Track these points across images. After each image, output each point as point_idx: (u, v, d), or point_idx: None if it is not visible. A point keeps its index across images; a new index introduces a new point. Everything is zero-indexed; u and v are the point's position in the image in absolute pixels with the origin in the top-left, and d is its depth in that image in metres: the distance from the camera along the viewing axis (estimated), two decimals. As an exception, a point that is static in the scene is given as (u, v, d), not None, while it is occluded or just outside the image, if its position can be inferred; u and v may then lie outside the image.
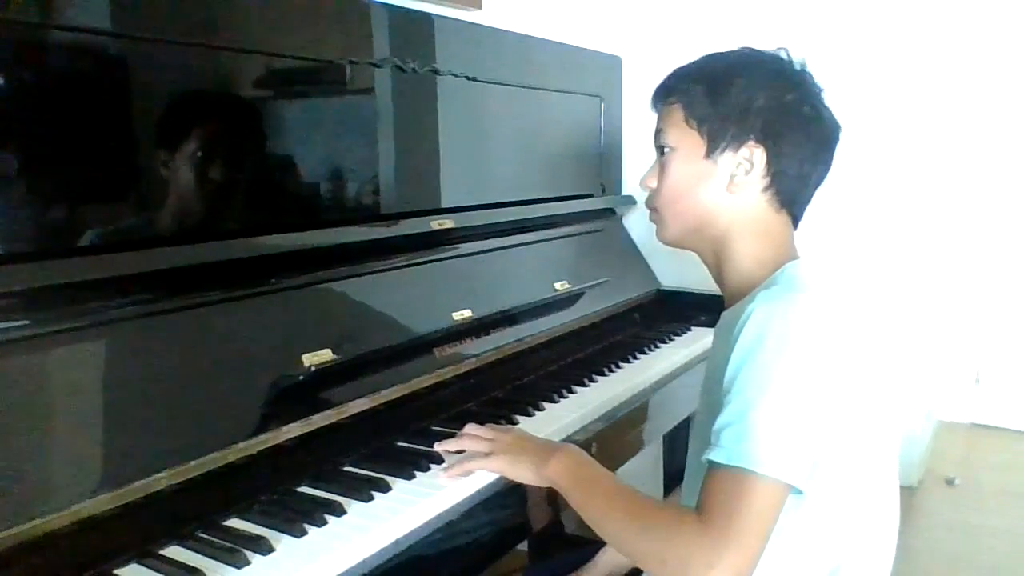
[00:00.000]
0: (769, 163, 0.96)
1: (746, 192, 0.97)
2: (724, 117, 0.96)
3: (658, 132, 1.03)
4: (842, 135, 1.00)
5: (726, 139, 0.96)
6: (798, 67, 0.99)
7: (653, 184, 1.04)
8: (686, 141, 0.99)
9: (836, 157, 1.00)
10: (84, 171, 0.97)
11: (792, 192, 0.99)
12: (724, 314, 1.04)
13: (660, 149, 1.02)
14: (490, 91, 1.62)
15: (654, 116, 1.05)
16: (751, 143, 0.95)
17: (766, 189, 0.97)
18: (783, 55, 0.99)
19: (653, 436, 1.64)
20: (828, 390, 0.85)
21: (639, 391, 1.48)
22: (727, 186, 0.97)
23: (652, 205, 1.05)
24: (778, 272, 0.96)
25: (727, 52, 1.01)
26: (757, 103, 0.95)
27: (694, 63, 1.02)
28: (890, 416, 0.99)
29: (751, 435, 0.82)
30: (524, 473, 1.01)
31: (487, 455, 1.04)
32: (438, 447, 1.10)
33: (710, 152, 0.97)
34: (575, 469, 0.98)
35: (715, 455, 0.84)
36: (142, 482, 0.87)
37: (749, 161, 0.96)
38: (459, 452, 1.09)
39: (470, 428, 1.10)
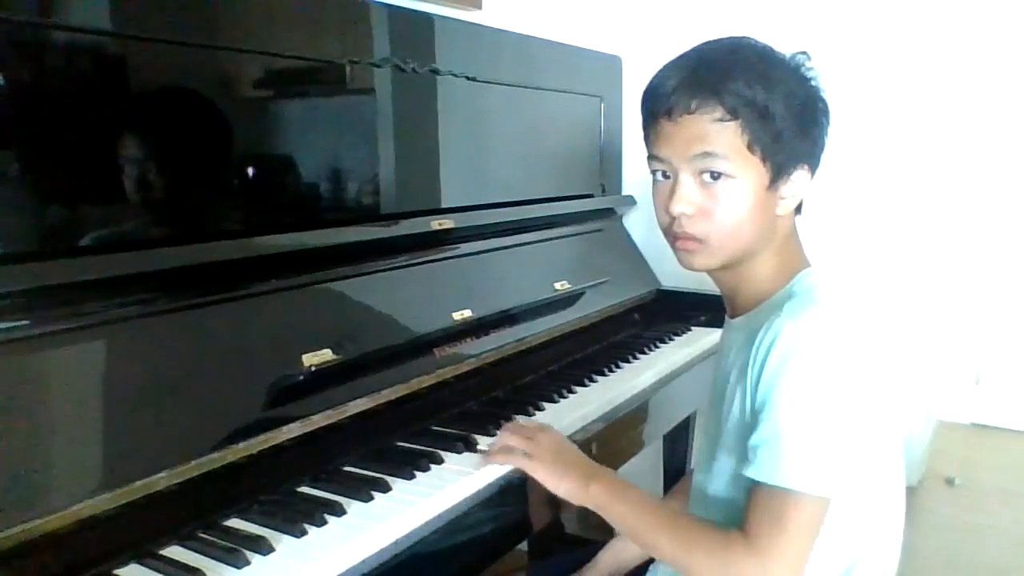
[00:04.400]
0: (812, 177, 0.94)
1: (786, 211, 0.94)
2: (790, 146, 0.89)
3: (707, 154, 0.88)
4: (840, 136, 0.98)
5: (786, 167, 0.90)
6: (791, 54, 0.93)
7: (689, 210, 0.90)
8: (747, 170, 0.89)
9: (834, 159, 0.99)
10: (84, 171, 0.97)
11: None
12: (734, 321, 1.02)
13: (711, 173, 0.89)
14: (490, 91, 1.62)
15: (680, 118, 0.89)
16: (805, 167, 0.92)
17: (797, 203, 0.96)
18: (802, 56, 0.93)
19: (653, 436, 1.64)
20: (855, 400, 0.86)
21: (639, 391, 1.48)
22: (777, 210, 0.93)
23: (695, 233, 0.92)
24: (794, 281, 0.95)
25: (747, 50, 0.90)
26: (809, 122, 0.90)
27: (737, 65, 0.88)
28: (894, 415, 0.99)
29: (787, 453, 0.84)
30: (565, 489, 1.00)
31: (530, 457, 1.03)
32: (483, 457, 1.09)
33: (773, 183, 0.90)
34: (618, 492, 0.98)
35: (753, 472, 0.86)
36: (142, 482, 0.87)
37: (800, 183, 0.93)
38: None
39: (512, 426, 1.11)
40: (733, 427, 0.94)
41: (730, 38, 0.93)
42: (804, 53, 0.93)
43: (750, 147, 0.88)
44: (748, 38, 0.93)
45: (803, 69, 0.92)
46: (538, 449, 1.04)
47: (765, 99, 0.86)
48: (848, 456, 0.86)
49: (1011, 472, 3.15)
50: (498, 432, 1.12)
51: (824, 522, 0.86)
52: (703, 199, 0.90)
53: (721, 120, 0.87)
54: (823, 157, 0.95)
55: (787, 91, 0.88)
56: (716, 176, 0.89)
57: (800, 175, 0.92)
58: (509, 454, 1.06)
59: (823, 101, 0.93)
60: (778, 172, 0.90)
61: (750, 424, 0.89)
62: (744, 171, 0.89)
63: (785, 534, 0.84)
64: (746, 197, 0.89)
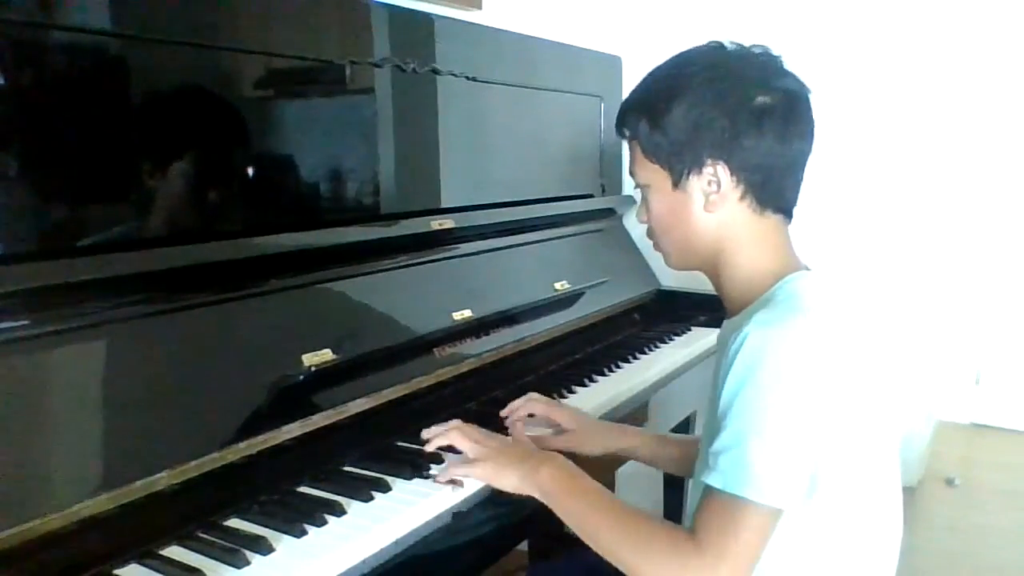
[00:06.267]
0: (733, 174, 0.94)
1: (724, 207, 0.96)
2: (675, 145, 0.95)
3: (630, 171, 1.03)
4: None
5: (685, 166, 0.95)
6: (737, 53, 0.96)
7: (644, 218, 1.05)
8: (654, 176, 0.99)
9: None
10: (84, 171, 0.97)
11: (769, 190, 0.96)
12: (725, 323, 1.04)
13: (639, 187, 1.03)
14: (490, 91, 1.62)
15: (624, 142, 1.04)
16: (709, 162, 0.94)
17: (743, 197, 0.96)
18: (722, 46, 0.97)
19: (653, 436, 1.64)
20: (824, 413, 0.86)
21: (639, 391, 1.48)
22: (704, 207, 0.97)
23: (651, 238, 1.07)
24: (776, 287, 0.95)
25: (663, 67, 0.99)
26: (701, 119, 0.93)
27: (638, 89, 1.01)
28: (892, 419, 0.99)
29: (747, 462, 0.84)
30: (510, 481, 1.00)
31: (472, 461, 1.03)
32: (425, 434, 1.08)
33: (676, 183, 0.97)
34: (565, 480, 0.98)
35: (712, 479, 0.87)
36: (142, 482, 0.87)
37: (715, 178, 0.95)
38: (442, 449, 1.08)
39: (456, 423, 1.09)
40: (711, 431, 0.95)
41: (671, 57, 1.00)
42: (764, 56, 0.96)
43: (646, 156, 0.99)
44: (684, 52, 0.99)
45: (722, 59, 0.95)
46: (481, 450, 1.03)
47: (652, 118, 0.96)
48: (811, 468, 0.85)
49: (1011, 472, 3.15)
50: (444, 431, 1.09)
51: (773, 533, 0.86)
52: (645, 211, 1.04)
53: (629, 140, 1.01)
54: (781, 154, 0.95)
55: (692, 101, 0.93)
56: (641, 189, 1.02)
57: (712, 171, 0.95)
58: (455, 467, 1.04)
59: (737, 86, 0.93)
60: (678, 172, 0.97)
61: (716, 429, 0.89)
62: (651, 178, 1.00)
63: (735, 541, 0.84)
64: (660, 200, 1.00)
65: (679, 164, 0.96)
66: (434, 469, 1.06)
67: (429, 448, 1.08)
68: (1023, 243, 3.26)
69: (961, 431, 3.46)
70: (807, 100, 0.96)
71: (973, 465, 3.15)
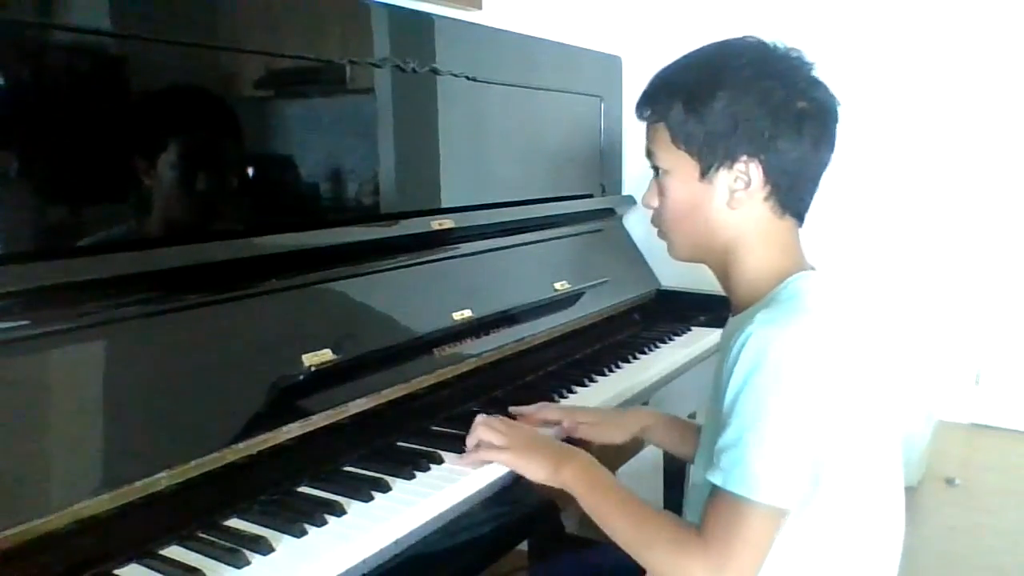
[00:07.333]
0: (766, 174, 0.93)
1: (747, 205, 0.95)
2: (711, 136, 0.93)
3: (648, 152, 1.00)
4: (841, 137, 0.98)
5: (717, 159, 0.94)
6: (782, 54, 0.95)
7: (655, 204, 1.02)
8: (678, 163, 0.96)
9: (833, 160, 0.98)
10: (84, 171, 0.97)
11: (794, 194, 0.96)
12: (730, 320, 1.03)
13: (655, 169, 1.00)
14: (490, 91, 1.62)
15: (643, 123, 1.01)
16: (744, 159, 0.93)
17: (767, 198, 0.95)
18: (767, 44, 0.95)
19: (653, 436, 1.64)
20: (827, 413, 0.86)
21: (639, 391, 1.48)
22: (727, 203, 0.95)
23: (657, 225, 1.04)
24: (781, 286, 0.95)
25: (704, 54, 0.97)
26: (744, 115, 0.91)
27: (671, 69, 0.98)
28: (894, 420, 0.98)
29: (748, 461, 0.84)
30: (538, 472, 1.02)
31: (501, 448, 1.05)
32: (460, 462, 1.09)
33: (704, 174, 0.95)
34: (589, 475, 1.00)
35: (715, 477, 0.87)
36: (142, 482, 0.87)
37: (746, 176, 0.93)
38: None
39: (482, 419, 1.10)
40: (711, 427, 0.95)
41: (710, 44, 0.98)
42: (804, 61, 0.95)
43: (675, 142, 0.96)
44: (728, 42, 0.97)
45: (767, 57, 0.94)
46: (510, 439, 1.06)
47: (689, 103, 0.93)
48: (813, 467, 0.85)
49: (1011, 472, 3.15)
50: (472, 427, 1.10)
51: (778, 533, 0.86)
52: (657, 195, 1.01)
53: (655, 122, 0.98)
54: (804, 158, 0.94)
55: (736, 93, 0.92)
56: (658, 171, 1.00)
57: (744, 167, 0.93)
58: (483, 451, 1.06)
59: (781, 86, 0.92)
60: (708, 164, 0.94)
61: (720, 427, 0.89)
62: (675, 164, 0.97)
63: (739, 541, 0.84)
64: (680, 188, 0.98)
65: (711, 156, 0.94)
66: (442, 466, 1.06)
67: (470, 443, 1.08)
68: (1023, 243, 3.26)
69: (961, 431, 3.46)
70: (836, 112, 0.96)
71: (973, 465, 3.15)
